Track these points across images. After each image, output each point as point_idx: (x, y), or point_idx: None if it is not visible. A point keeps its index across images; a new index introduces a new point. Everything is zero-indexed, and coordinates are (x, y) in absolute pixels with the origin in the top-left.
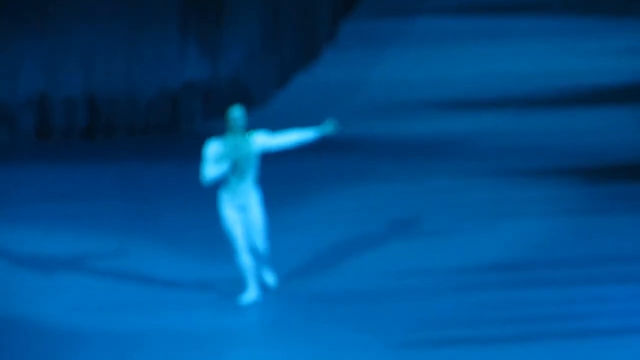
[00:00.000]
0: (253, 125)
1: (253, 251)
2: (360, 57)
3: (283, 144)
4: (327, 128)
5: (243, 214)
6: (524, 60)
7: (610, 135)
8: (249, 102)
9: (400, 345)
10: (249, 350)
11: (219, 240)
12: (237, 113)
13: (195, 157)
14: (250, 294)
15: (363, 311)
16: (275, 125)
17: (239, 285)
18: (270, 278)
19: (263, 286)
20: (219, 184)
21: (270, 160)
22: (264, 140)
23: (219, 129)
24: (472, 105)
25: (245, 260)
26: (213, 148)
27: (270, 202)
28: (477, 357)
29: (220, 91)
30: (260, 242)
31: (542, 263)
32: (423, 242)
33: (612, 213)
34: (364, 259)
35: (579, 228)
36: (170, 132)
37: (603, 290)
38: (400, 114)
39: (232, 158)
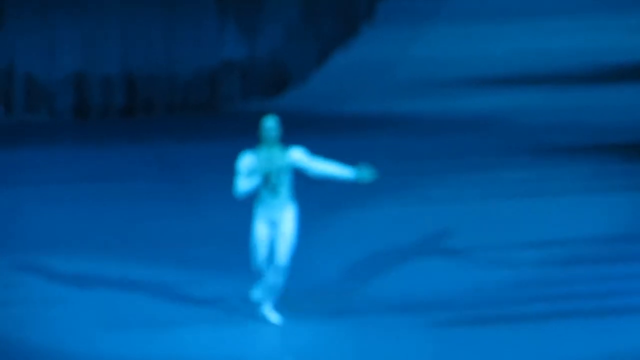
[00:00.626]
0: (292, 104)
1: (272, 267)
2: (397, 34)
3: (318, 171)
4: (364, 174)
5: (274, 229)
6: (562, 37)
7: None
8: (288, 81)
9: (438, 325)
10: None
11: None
12: (270, 123)
13: (233, 136)
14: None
15: (401, 292)
16: (313, 104)
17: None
18: (271, 314)
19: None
20: (254, 197)
21: (312, 138)
22: (299, 157)
23: (257, 109)
24: (509, 82)
25: (264, 282)
26: (246, 160)
27: (306, 180)
28: (513, 335)
29: (259, 70)
30: (282, 260)
31: (579, 240)
32: (458, 220)
33: None
34: (398, 237)
35: (617, 205)
36: (208, 111)
37: (638, 267)
38: (438, 91)
39: (264, 171)
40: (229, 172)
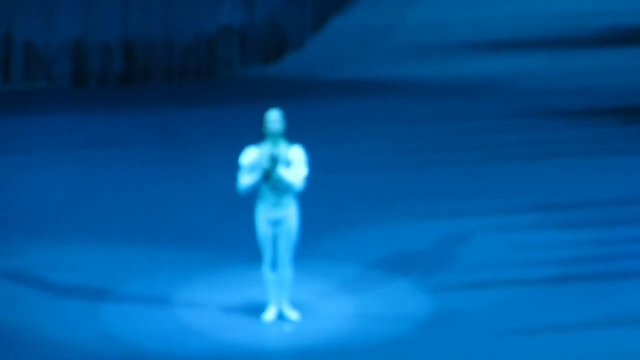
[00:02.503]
0: (290, 69)
1: (277, 269)
2: None
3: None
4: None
5: (278, 228)
6: (562, 0)
7: None
8: (286, 46)
9: (438, 288)
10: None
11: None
12: (273, 116)
13: (232, 102)
14: (270, 314)
15: (398, 255)
16: (312, 69)
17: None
18: (290, 312)
19: (282, 317)
20: (255, 194)
21: (311, 103)
22: (294, 157)
23: (256, 74)
24: (511, 46)
25: (271, 276)
26: (249, 155)
27: (310, 143)
28: (514, 298)
29: (257, 36)
30: (284, 256)
31: (581, 204)
32: (460, 183)
33: None
34: (396, 199)
35: (618, 168)
36: (207, 77)
37: None
38: (438, 55)
39: (266, 167)
40: (228, 138)
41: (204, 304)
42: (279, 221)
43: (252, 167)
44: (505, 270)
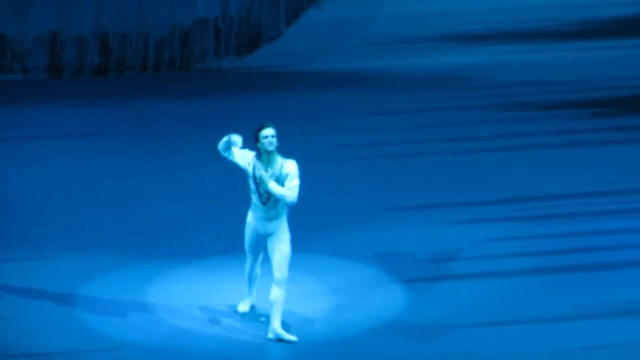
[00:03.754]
0: (264, 62)
1: (273, 282)
2: None
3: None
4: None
5: (267, 238)
6: None
7: (619, 68)
8: (260, 39)
9: (411, 280)
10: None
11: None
12: (268, 133)
13: (206, 94)
14: (245, 305)
15: (370, 248)
16: (286, 61)
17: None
18: (287, 335)
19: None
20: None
21: (285, 95)
22: (287, 170)
23: (230, 66)
24: (482, 39)
25: (251, 272)
26: (246, 152)
27: (283, 134)
28: (486, 290)
29: (231, 28)
30: (279, 274)
31: (552, 196)
32: (432, 175)
33: (619, 145)
34: (370, 188)
35: (589, 161)
36: (181, 69)
37: (610, 223)
38: (411, 48)
39: (252, 177)
40: (202, 129)
41: (180, 296)
42: (268, 234)
43: (238, 158)
44: (478, 263)
